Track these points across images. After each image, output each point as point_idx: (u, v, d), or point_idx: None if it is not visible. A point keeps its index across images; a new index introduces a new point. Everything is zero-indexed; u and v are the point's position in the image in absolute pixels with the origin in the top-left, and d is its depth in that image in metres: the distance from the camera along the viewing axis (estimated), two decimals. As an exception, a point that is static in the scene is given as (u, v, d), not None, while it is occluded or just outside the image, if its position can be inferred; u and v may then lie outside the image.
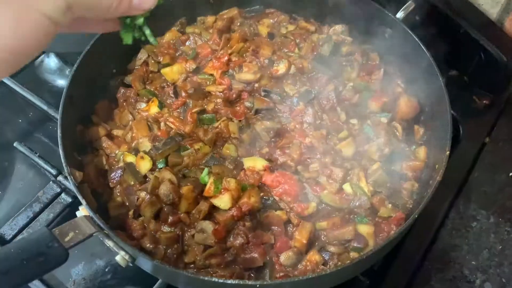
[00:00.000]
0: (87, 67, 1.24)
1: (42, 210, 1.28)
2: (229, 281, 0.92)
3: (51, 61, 1.68)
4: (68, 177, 1.03)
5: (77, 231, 0.92)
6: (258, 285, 0.89)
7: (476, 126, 1.49)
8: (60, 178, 1.29)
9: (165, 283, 1.12)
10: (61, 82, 1.64)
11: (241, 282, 0.93)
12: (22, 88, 1.49)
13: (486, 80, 1.53)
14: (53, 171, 1.29)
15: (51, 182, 1.32)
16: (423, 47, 1.27)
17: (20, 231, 1.25)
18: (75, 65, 1.20)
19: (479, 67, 1.52)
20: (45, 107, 1.42)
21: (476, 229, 1.31)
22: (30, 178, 1.43)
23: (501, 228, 1.30)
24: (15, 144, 1.34)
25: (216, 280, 0.92)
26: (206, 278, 0.93)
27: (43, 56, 1.68)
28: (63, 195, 1.30)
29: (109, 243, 0.99)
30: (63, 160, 1.05)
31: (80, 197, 0.99)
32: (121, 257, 0.98)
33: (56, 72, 1.66)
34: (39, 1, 0.63)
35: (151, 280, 1.17)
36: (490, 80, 1.52)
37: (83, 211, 1.01)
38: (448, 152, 1.07)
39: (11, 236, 1.24)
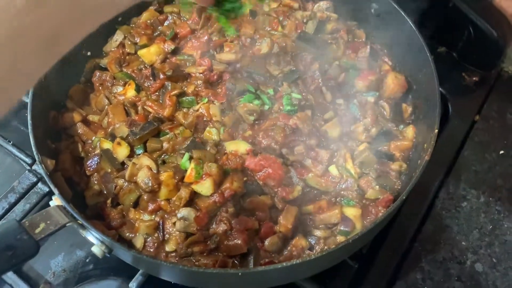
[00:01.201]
0: (59, 49, 1.18)
1: (18, 201, 1.23)
2: (209, 270, 0.88)
3: (26, 46, 1.61)
4: (40, 166, 0.98)
5: (48, 222, 0.88)
6: (240, 273, 0.85)
7: (466, 103, 1.45)
8: (35, 167, 1.23)
9: (146, 273, 1.08)
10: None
11: (222, 270, 0.89)
12: (-5, 75, 1.42)
13: (476, 57, 1.49)
14: (28, 160, 1.24)
15: (26, 171, 1.26)
16: (410, 23, 1.22)
17: (-5, 223, 1.20)
18: (46, 48, 1.14)
19: (468, 43, 1.48)
20: (18, 94, 1.36)
21: (467, 209, 1.28)
22: (5, 167, 1.37)
23: (492, 207, 1.28)
24: (-13, 133, 1.29)
25: (196, 269, 0.88)
26: (185, 268, 0.89)
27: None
28: (39, 184, 1.25)
29: (85, 234, 0.94)
30: (33, 148, 1.00)
31: (52, 186, 0.94)
32: (97, 248, 0.93)
33: (31, 57, 1.59)
34: None
35: (133, 270, 1.13)
36: (480, 57, 1.49)
37: (56, 201, 0.96)
38: (436, 131, 1.04)
39: (-15, 228, 1.19)
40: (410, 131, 1.19)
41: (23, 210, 1.21)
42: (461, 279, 1.17)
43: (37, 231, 0.85)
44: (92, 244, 0.96)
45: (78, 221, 0.92)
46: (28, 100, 1.08)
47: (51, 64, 0.62)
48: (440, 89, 1.36)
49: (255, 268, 0.88)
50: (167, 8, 1.41)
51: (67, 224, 0.91)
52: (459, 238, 1.23)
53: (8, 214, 1.22)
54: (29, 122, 1.04)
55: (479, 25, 1.40)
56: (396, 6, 1.25)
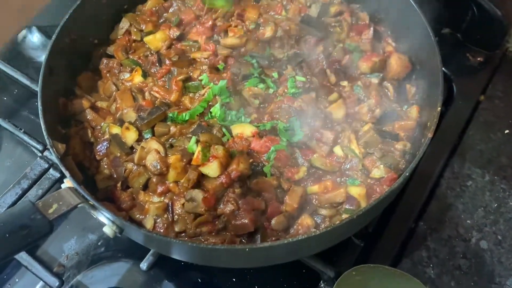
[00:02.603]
0: (66, 38, 1.21)
1: (30, 187, 1.26)
2: (218, 247, 0.90)
3: (34, 37, 1.64)
4: (51, 150, 1.01)
5: (61, 203, 0.91)
6: (247, 249, 0.88)
7: (471, 84, 1.46)
8: (46, 153, 1.27)
9: (157, 253, 1.11)
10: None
11: (230, 247, 0.91)
12: (5, 65, 1.46)
13: (480, 37, 1.49)
14: (39, 147, 1.27)
15: (38, 158, 1.30)
16: (413, 4, 1.22)
17: (9, 208, 1.23)
18: (54, 36, 1.17)
19: (472, 24, 1.48)
20: (28, 83, 1.40)
21: (472, 188, 1.29)
22: (18, 155, 1.41)
23: (496, 186, 1.29)
24: (-1, 122, 1.32)
25: (205, 246, 0.91)
26: (195, 245, 0.92)
27: (25, 31, 1.64)
28: (51, 170, 1.28)
29: (96, 215, 0.97)
30: (44, 133, 1.03)
31: (63, 169, 0.97)
32: (108, 228, 0.96)
33: (39, 48, 1.62)
34: None
35: (144, 251, 1.17)
36: (484, 37, 1.49)
37: (67, 183, 0.99)
38: (439, 109, 1.04)
39: None
40: (414, 111, 1.20)
41: (36, 195, 1.25)
42: (466, 256, 1.19)
43: (50, 211, 0.88)
44: (103, 226, 0.99)
45: (90, 202, 0.95)
46: (38, 88, 1.11)
47: None
48: (444, 70, 1.37)
49: (262, 244, 0.90)
50: (172, -5, 1.42)
51: (79, 205, 0.94)
52: (464, 217, 1.25)
53: (22, 199, 1.25)
54: (40, 108, 1.06)
55: (483, 5, 1.40)
56: (399, -13, 1.25)
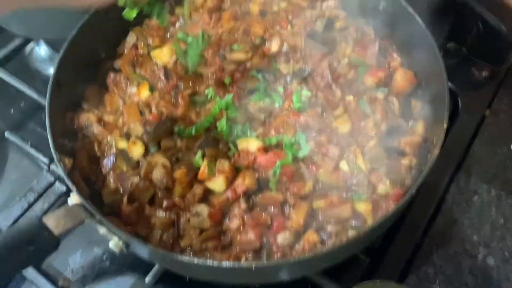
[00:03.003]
0: (74, 52, 1.22)
1: (36, 200, 1.26)
2: (223, 264, 0.90)
3: (41, 49, 1.66)
4: (58, 164, 1.01)
5: (67, 219, 0.91)
6: (253, 267, 0.87)
7: (476, 98, 1.46)
8: (53, 167, 1.27)
9: (162, 268, 1.11)
10: (52, 71, 1.61)
11: (236, 264, 0.91)
12: (12, 78, 1.47)
13: (486, 52, 1.49)
14: (46, 160, 1.27)
15: (44, 171, 1.30)
16: (418, 19, 1.23)
17: (15, 221, 1.23)
18: (62, 50, 1.18)
19: (478, 39, 1.48)
20: (35, 96, 1.41)
21: (478, 203, 1.28)
22: (24, 168, 1.41)
23: (503, 201, 1.28)
24: (6, 135, 1.33)
25: (210, 263, 0.91)
26: (200, 261, 0.91)
27: (33, 44, 1.65)
28: (57, 183, 1.29)
29: (102, 230, 0.97)
30: (51, 147, 1.03)
31: (70, 184, 0.97)
32: (114, 243, 0.96)
33: (46, 61, 1.64)
34: None
35: (149, 265, 1.16)
36: (489, 52, 1.49)
37: (74, 198, 0.99)
38: (445, 125, 1.04)
39: (6, 227, 1.23)
40: (419, 127, 1.20)
41: (42, 209, 1.25)
42: (473, 272, 1.18)
43: (57, 227, 0.89)
44: (109, 241, 0.99)
45: (96, 217, 0.95)
46: (46, 102, 1.12)
47: None
48: (449, 84, 1.37)
49: (268, 262, 0.90)
50: (178, 10, 1.43)
51: (85, 220, 0.94)
52: (470, 232, 1.24)
53: (27, 212, 1.26)
54: (48, 122, 1.07)
55: (488, 21, 1.40)
56: (404, 3, 1.26)
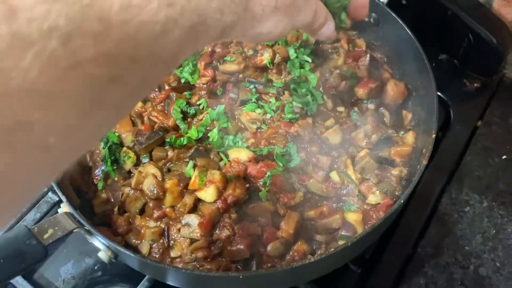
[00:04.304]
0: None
1: (29, 210, 1.27)
2: (211, 274, 0.90)
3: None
4: (49, 174, 1.01)
5: (56, 228, 0.91)
6: (241, 277, 0.87)
7: (468, 109, 1.46)
8: (45, 177, 1.27)
9: (152, 278, 1.11)
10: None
11: (224, 274, 0.91)
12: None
13: (477, 63, 1.50)
14: (39, 170, 1.27)
15: (37, 181, 1.30)
16: (408, 31, 1.24)
17: (7, 231, 1.23)
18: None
19: (469, 50, 1.49)
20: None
21: (469, 214, 1.28)
22: (17, 178, 1.42)
23: (495, 212, 1.28)
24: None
25: (199, 273, 0.91)
26: (189, 271, 0.92)
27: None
28: (49, 194, 1.29)
29: (91, 240, 0.97)
30: (43, 157, 1.04)
31: (60, 194, 0.98)
32: (103, 253, 0.96)
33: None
34: None
35: (140, 276, 1.16)
36: (480, 63, 1.50)
37: (64, 208, 1.00)
38: (434, 135, 1.05)
39: (-3, 237, 1.23)
40: (410, 137, 1.21)
41: (34, 219, 1.25)
42: (464, 283, 1.17)
43: (45, 236, 0.89)
44: (99, 251, 0.99)
45: (85, 227, 0.95)
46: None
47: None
48: (442, 95, 1.40)
49: (256, 271, 0.90)
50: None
51: (74, 230, 0.94)
52: (462, 243, 1.24)
53: (20, 222, 1.26)
54: (39, 133, 1.08)
55: (479, 33, 1.41)
56: (395, 15, 1.28)
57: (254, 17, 0.57)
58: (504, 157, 1.38)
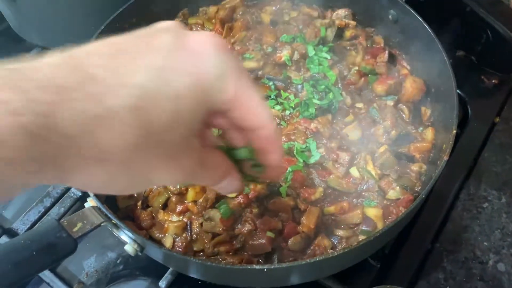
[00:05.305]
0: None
1: (53, 205, 1.29)
2: (235, 266, 0.92)
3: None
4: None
5: (85, 222, 0.93)
6: (265, 269, 0.89)
7: (486, 106, 1.47)
8: (69, 172, 1.30)
9: (175, 271, 1.13)
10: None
11: (248, 266, 0.93)
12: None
13: (495, 60, 1.51)
14: (62, 166, 1.30)
15: (61, 176, 1.33)
16: (427, 27, 1.25)
17: (32, 225, 1.27)
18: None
19: (487, 47, 1.49)
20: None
21: (488, 209, 1.29)
22: (40, 174, 1.44)
23: (513, 208, 1.28)
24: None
25: (223, 265, 0.92)
26: (213, 264, 0.93)
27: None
28: (72, 189, 1.32)
29: (118, 233, 0.99)
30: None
31: (87, 189, 1.00)
32: (130, 246, 0.98)
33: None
34: None
35: (162, 270, 1.19)
36: (498, 59, 1.50)
37: (91, 202, 1.02)
38: (454, 131, 1.06)
39: (23, 231, 1.26)
40: (429, 133, 1.21)
41: (58, 213, 1.28)
42: (483, 278, 1.18)
43: (74, 229, 0.91)
44: (124, 245, 1.01)
45: (112, 221, 0.98)
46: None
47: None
48: (459, 92, 1.39)
49: (280, 264, 0.91)
50: (191, 20, 1.47)
51: (102, 224, 0.97)
52: (480, 239, 1.24)
53: (44, 217, 1.29)
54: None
55: (497, 29, 1.41)
56: (414, 12, 1.28)
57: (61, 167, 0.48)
58: (522, 153, 1.38)
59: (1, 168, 0.42)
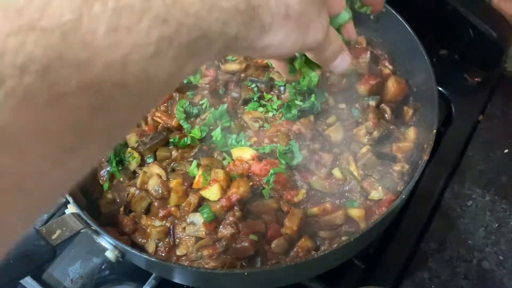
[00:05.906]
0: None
1: (36, 211, 1.28)
2: (217, 271, 0.92)
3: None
4: (55, 176, 1.03)
5: (64, 229, 0.93)
6: (246, 273, 0.89)
7: (469, 104, 1.47)
8: (52, 178, 1.29)
9: (159, 276, 1.13)
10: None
11: (229, 271, 0.93)
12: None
13: (477, 58, 1.51)
14: (45, 172, 1.29)
15: (44, 183, 1.32)
16: (408, 27, 1.25)
17: (15, 233, 1.26)
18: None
19: (469, 45, 1.50)
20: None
21: (472, 208, 1.29)
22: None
23: (497, 205, 1.29)
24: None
25: (205, 270, 0.92)
26: (195, 269, 0.93)
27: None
28: (56, 195, 1.31)
29: (98, 239, 0.99)
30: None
31: (66, 195, 0.99)
32: (110, 253, 0.98)
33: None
34: None
35: (147, 275, 1.18)
36: (481, 57, 1.50)
37: (71, 208, 1.01)
38: (435, 131, 1.06)
39: (6, 238, 1.25)
40: (411, 133, 1.22)
41: (41, 220, 1.27)
42: (468, 277, 1.18)
43: (53, 237, 0.91)
44: (107, 250, 1.01)
45: (92, 227, 0.97)
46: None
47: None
48: (443, 90, 1.40)
49: (261, 268, 0.91)
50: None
51: (82, 230, 0.96)
52: (465, 237, 1.25)
53: (28, 224, 1.28)
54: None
55: (479, 27, 1.42)
56: (394, 12, 1.29)
57: (263, 27, 0.50)
58: (506, 151, 1.38)
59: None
